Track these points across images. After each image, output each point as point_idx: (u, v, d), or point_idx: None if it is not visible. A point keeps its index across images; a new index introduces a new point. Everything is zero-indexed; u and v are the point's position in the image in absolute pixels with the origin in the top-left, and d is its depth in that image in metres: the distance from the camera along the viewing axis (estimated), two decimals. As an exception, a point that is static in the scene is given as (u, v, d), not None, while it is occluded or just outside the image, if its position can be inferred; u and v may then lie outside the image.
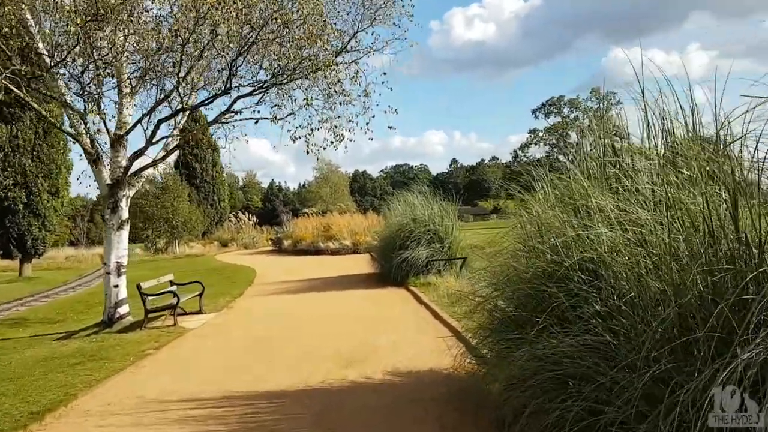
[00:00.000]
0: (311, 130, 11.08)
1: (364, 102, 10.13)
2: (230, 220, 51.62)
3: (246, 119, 10.14)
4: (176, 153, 47.30)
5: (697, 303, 2.44)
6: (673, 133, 3.49)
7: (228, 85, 8.77)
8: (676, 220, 2.85)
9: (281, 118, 10.57)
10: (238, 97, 9.66)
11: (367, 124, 10.31)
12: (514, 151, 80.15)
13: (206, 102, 9.64)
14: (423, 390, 5.32)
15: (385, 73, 9.83)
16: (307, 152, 10.28)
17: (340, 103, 10.84)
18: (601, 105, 71.59)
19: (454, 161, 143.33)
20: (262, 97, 10.46)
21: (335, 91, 10.57)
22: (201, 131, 10.12)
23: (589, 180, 3.90)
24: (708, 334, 2.24)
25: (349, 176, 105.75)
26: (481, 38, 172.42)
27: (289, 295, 12.97)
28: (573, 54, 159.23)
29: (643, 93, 3.53)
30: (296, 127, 10.48)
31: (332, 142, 11.32)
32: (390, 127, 10.35)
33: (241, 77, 9.41)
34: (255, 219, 52.95)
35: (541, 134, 76.43)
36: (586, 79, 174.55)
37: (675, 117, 3.45)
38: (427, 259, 12.61)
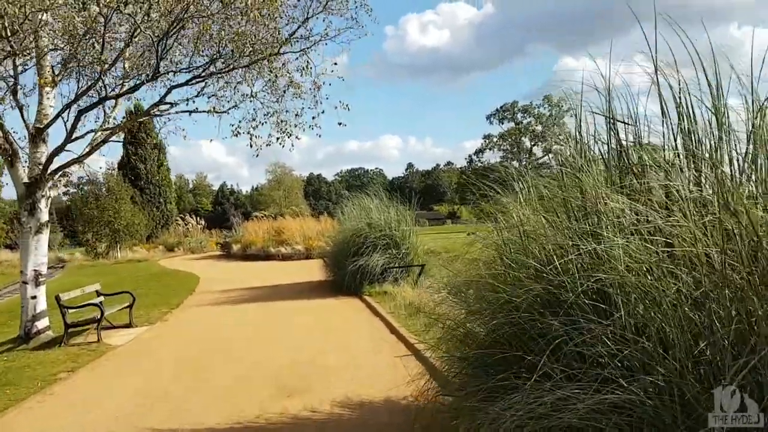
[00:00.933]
0: (256, 124, 10.16)
1: (314, 96, 9.25)
2: (177, 224, 49.43)
3: (182, 111, 9.08)
4: (120, 152, 44.88)
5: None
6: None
7: (156, 71, 7.68)
8: (716, 230, 2.13)
9: (221, 111, 9.57)
10: (173, 87, 8.60)
11: (313, 118, 9.43)
12: (469, 156, 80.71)
13: (131, 90, 8.52)
14: (378, 428, 4.50)
15: (335, 63, 8.97)
16: (250, 146, 9.31)
17: (290, 96, 9.96)
18: (553, 112, 73.19)
19: (410, 165, 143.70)
20: (202, 89, 9.44)
21: (285, 83, 9.67)
22: (130, 124, 8.88)
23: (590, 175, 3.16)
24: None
25: (303, 179, 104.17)
26: (436, 44, 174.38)
27: (232, 306, 11.89)
28: (525, 61, 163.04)
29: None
30: (239, 121, 9.51)
31: (278, 139, 10.41)
32: (340, 124, 9.49)
33: (177, 63, 8.36)
34: (203, 222, 50.93)
35: (495, 140, 77.17)
36: (538, 85, 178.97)
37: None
38: (383, 266, 11.80)
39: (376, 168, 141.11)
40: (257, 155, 10.41)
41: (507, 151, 77.66)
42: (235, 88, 9.23)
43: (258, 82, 9.91)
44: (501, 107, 76.40)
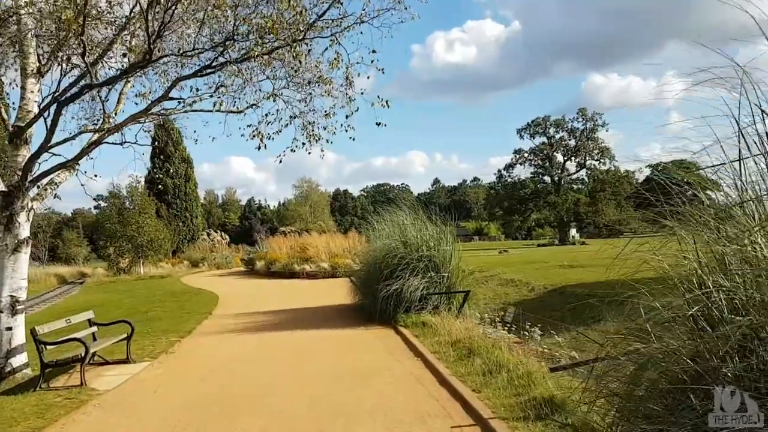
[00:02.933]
0: (280, 127, 8.78)
1: (346, 92, 7.80)
2: (203, 239, 48.67)
3: (192, 111, 7.72)
4: (147, 165, 44.27)
5: None
6: None
7: (149, 51, 6.31)
8: None
9: (237, 111, 8.20)
10: (179, 80, 7.25)
11: (347, 117, 7.97)
12: (499, 171, 78.55)
13: (118, 78, 7.17)
14: None
15: (374, 51, 7.47)
16: (258, 148, 7.87)
17: (319, 93, 8.55)
18: (587, 125, 70.80)
19: (436, 181, 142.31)
20: (217, 87, 8.08)
21: (312, 77, 8.28)
22: (126, 124, 7.55)
23: None
24: None
25: (329, 195, 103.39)
26: (462, 61, 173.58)
27: (248, 336, 10.40)
28: (551, 78, 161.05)
29: None
30: (258, 122, 8.12)
31: (304, 144, 8.99)
32: (378, 124, 7.92)
33: (180, 48, 7.00)
34: (228, 237, 50.11)
35: (526, 154, 74.96)
36: (564, 103, 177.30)
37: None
38: (421, 292, 10.22)
39: (402, 183, 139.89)
40: (280, 161, 8.96)
41: (538, 166, 75.39)
42: (251, 82, 7.82)
43: (281, 81, 8.57)
44: (532, 121, 74.22)
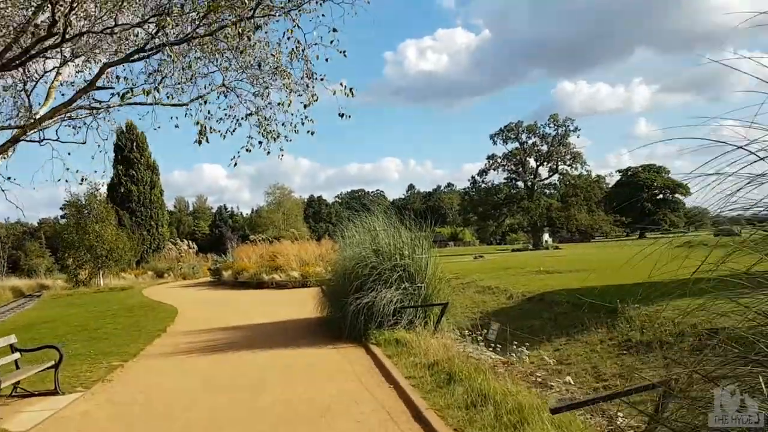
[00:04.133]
0: (235, 125, 7.78)
1: (304, 79, 6.83)
2: (169, 248, 46.83)
3: (123, 105, 6.62)
4: (110, 173, 42.51)
5: None
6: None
7: (53, 25, 5.20)
8: None
9: (179, 104, 7.15)
10: (107, 66, 6.18)
11: (306, 106, 7.01)
12: (473, 177, 78.30)
13: (21, 58, 6.03)
14: None
15: (335, 30, 6.50)
16: (199, 142, 6.81)
17: (278, 86, 7.57)
18: (559, 131, 71.07)
19: (411, 187, 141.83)
20: (162, 80, 7.02)
21: (264, 65, 7.29)
22: (47, 119, 6.44)
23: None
24: None
25: (303, 201, 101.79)
26: (434, 69, 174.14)
27: (200, 359, 9.28)
28: (521, 85, 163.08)
29: None
30: (204, 116, 7.08)
31: (261, 143, 7.99)
32: (342, 115, 6.92)
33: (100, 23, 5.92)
34: (196, 246, 48.38)
35: (499, 160, 74.88)
36: (535, 110, 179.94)
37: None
38: (395, 305, 9.25)
39: (377, 190, 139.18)
40: (235, 164, 7.92)
41: (511, 171, 75.37)
42: (191, 70, 6.78)
43: (233, 73, 7.56)
44: (505, 127, 74.28)
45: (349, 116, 6.73)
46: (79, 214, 31.00)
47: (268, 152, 8.01)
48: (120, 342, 11.14)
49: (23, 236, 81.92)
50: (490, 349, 8.05)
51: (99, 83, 6.22)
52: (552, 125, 71.62)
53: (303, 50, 7.05)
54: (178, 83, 6.87)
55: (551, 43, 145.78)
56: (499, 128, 74.31)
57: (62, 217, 32.25)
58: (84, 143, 6.97)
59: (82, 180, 8.35)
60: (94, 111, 6.99)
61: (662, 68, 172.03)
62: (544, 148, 73.07)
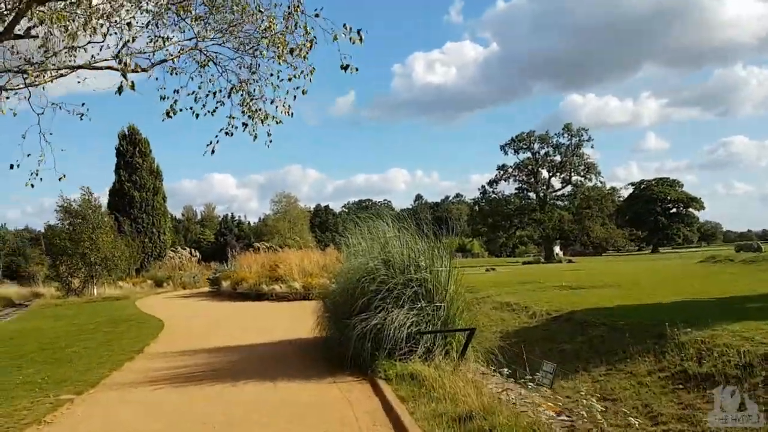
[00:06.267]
0: (216, 104, 6.19)
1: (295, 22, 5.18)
2: (170, 256, 45.27)
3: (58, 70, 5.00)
4: (112, 178, 41.16)
5: None
6: None
7: None
8: None
9: (143, 70, 5.53)
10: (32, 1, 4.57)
11: (291, 52, 5.33)
12: (483, 186, 76.54)
13: None
14: None
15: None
16: (170, 115, 5.19)
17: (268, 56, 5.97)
18: (572, 141, 69.23)
19: (418, 197, 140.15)
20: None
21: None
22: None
23: None
24: None
25: (309, 210, 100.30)
26: (442, 81, 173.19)
27: (168, 392, 7.53)
28: (529, 98, 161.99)
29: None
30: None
31: (246, 125, 6.36)
32: (345, 68, 5.18)
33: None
34: (198, 254, 46.80)
35: (510, 170, 73.08)
36: (543, 122, 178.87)
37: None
38: (408, 329, 7.52)
39: (384, 200, 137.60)
40: (213, 151, 6.29)
41: (523, 181, 73.51)
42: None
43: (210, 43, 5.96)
44: (516, 137, 72.59)
45: (356, 69, 5.04)
46: (73, 220, 29.50)
47: (255, 136, 6.38)
48: (83, 366, 9.46)
49: (29, 243, 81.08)
50: (532, 387, 6.29)
51: (18, 30, 4.60)
52: (566, 135, 69.85)
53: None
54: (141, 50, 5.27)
55: (558, 56, 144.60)
56: (510, 138, 72.71)
57: (54, 223, 30.63)
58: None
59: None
60: (22, 75, 5.38)
61: (670, 83, 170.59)
62: (557, 158, 71.30)
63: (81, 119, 5.89)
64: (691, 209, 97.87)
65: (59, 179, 6.73)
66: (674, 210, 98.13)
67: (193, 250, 48.62)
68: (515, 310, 17.01)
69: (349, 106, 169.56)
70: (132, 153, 46.43)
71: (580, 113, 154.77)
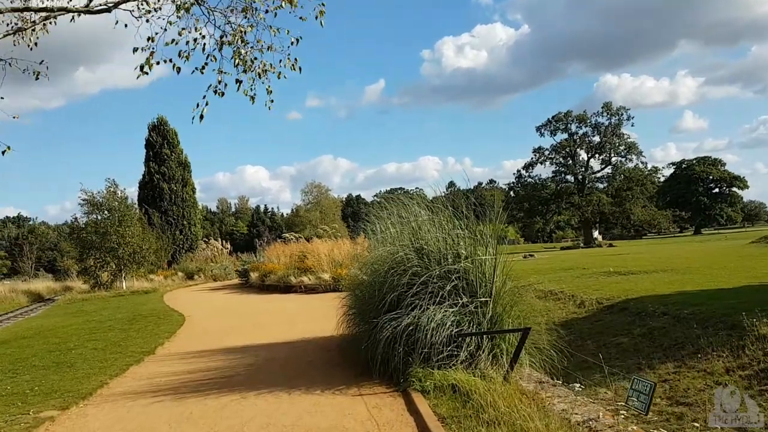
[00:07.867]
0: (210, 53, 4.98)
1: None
2: (201, 248, 44.95)
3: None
4: (141, 170, 41.06)
5: None
6: None
7: None
8: None
9: (105, 9, 4.32)
10: None
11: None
12: (518, 171, 74.05)
13: None
14: None
15: None
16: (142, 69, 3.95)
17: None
18: (612, 120, 66.09)
19: (451, 184, 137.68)
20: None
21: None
22: None
23: None
24: None
25: (341, 200, 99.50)
26: (473, 66, 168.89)
27: (173, 404, 6.40)
28: (562, 80, 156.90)
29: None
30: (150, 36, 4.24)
31: (240, 82, 5.11)
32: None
33: None
34: (230, 246, 46.36)
35: (547, 152, 70.31)
36: (576, 105, 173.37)
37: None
38: (449, 330, 6.20)
39: (416, 188, 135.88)
40: (201, 117, 5.09)
41: (560, 164, 70.71)
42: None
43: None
44: (553, 117, 69.68)
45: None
46: (98, 213, 29.10)
47: (253, 96, 5.13)
48: (84, 371, 8.47)
49: (67, 237, 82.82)
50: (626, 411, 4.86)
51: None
52: (605, 114, 66.69)
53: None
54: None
55: (591, 37, 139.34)
56: (547, 119, 69.83)
57: (80, 216, 30.19)
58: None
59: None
60: None
61: (706, 61, 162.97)
62: (596, 138, 68.23)
63: (36, 78, 4.79)
64: (734, 188, 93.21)
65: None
66: (717, 190, 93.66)
67: (224, 241, 48.22)
68: (560, 298, 15.42)
69: (379, 95, 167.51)
70: (161, 144, 46.12)
71: (616, 94, 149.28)
